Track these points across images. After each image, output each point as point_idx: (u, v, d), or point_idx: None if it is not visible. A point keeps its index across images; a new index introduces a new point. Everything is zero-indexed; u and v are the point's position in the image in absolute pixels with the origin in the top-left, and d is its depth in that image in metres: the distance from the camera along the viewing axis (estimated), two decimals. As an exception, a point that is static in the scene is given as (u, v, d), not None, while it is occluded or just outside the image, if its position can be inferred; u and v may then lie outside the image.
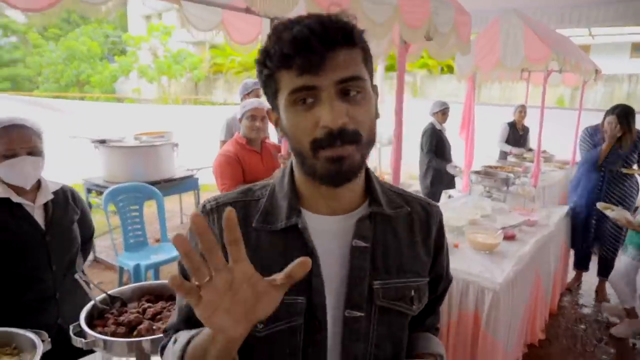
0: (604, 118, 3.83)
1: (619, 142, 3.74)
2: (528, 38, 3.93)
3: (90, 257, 4.32)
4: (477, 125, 4.67)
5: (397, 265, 0.84)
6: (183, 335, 0.75)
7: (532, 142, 5.75)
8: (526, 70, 5.69)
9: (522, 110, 5.73)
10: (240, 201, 0.82)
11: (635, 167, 3.55)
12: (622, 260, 3.38)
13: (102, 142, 4.20)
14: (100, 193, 3.83)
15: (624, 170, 3.73)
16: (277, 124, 0.79)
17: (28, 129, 1.59)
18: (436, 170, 4.63)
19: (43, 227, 1.64)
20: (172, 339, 0.79)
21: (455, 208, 3.64)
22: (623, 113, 3.70)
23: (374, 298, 0.80)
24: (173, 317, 0.86)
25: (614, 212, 3.48)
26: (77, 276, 1.48)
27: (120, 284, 3.52)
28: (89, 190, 4.25)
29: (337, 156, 0.70)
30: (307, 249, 0.77)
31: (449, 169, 4.58)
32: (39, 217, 1.64)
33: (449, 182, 4.79)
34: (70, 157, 4.86)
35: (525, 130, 5.86)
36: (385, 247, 0.83)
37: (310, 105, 0.70)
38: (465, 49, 2.34)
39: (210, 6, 2.08)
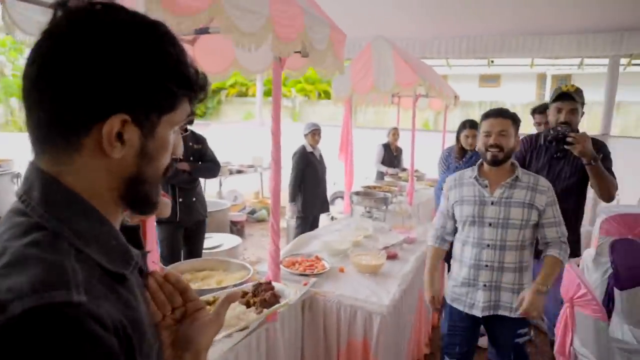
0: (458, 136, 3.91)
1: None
2: (397, 64, 4.13)
3: None
4: (355, 147, 4.77)
5: None
6: None
7: (405, 162, 6.08)
8: (397, 95, 6.07)
9: (395, 132, 6.03)
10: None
11: None
12: None
13: None
14: None
15: None
16: None
17: None
18: (306, 193, 4.58)
19: None
20: None
21: (338, 230, 3.59)
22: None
23: None
24: None
25: None
26: None
27: None
28: None
29: None
30: None
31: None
32: None
33: (322, 206, 4.76)
34: None
35: (399, 151, 6.17)
36: None
37: None
38: (341, 68, 2.29)
39: (42, 6, 1.72)
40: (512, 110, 2.24)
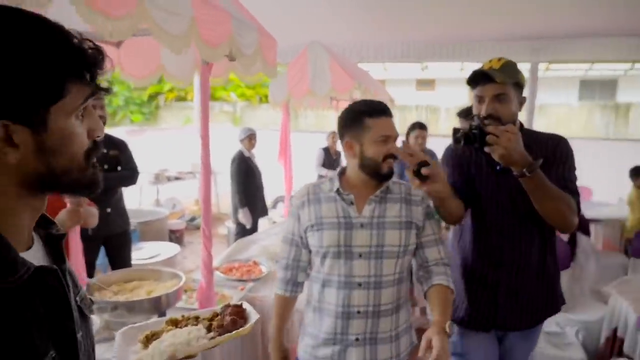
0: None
1: None
2: (333, 68, 4.21)
3: None
4: (295, 151, 4.80)
5: None
6: None
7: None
8: (335, 98, 6.16)
9: (333, 136, 6.13)
10: None
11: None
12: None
13: None
14: None
15: None
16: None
17: None
18: (248, 198, 4.57)
19: None
20: None
21: (277, 234, 3.59)
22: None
23: None
24: None
25: None
26: None
27: None
28: None
29: None
30: None
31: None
32: None
33: (261, 210, 4.78)
34: None
35: (338, 154, 6.27)
36: None
37: None
38: (272, 73, 2.30)
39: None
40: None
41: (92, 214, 2.37)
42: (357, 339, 1.54)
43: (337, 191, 1.55)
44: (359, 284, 1.52)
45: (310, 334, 1.64)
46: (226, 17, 1.81)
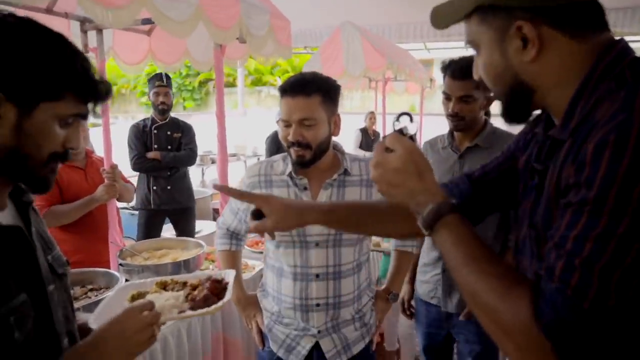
0: None
1: None
2: (366, 48, 4.22)
3: None
4: (342, 132, 4.87)
5: None
6: None
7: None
8: (374, 79, 6.16)
9: (371, 117, 6.14)
10: None
11: None
12: None
13: None
14: None
15: None
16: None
17: None
18: None
19: None
20: None
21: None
22: None
23: None
24: None
25: None
26: None
27: None
28: None
29: None
30: None
31: None
32: None
33: None
34: None
35: (377, 135, 6.28)
36: None
37: None
38: (286, 53, 2.40)
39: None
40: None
41: (127, 189, 2.61)
42: (319, 332, 1.47)
43: (290, 175, 1.44)
44: (317, 275, 1.43)
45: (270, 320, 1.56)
46: (234, 1, 1.92)
